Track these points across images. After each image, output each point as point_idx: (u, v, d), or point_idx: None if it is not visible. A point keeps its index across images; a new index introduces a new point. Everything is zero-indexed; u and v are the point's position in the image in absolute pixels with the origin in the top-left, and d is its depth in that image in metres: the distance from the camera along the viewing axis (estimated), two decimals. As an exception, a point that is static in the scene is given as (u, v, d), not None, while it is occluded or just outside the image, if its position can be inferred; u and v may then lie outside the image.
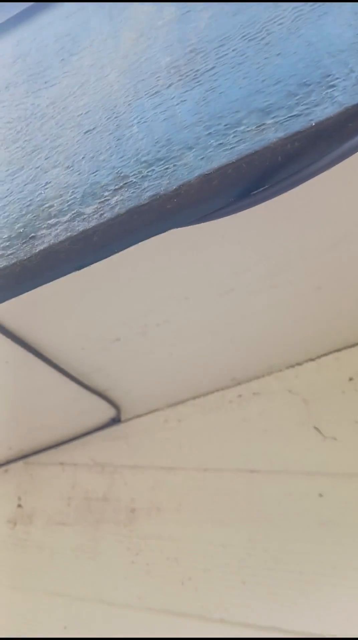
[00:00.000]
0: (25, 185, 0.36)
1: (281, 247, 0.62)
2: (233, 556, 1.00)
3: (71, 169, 0.35)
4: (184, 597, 1.01)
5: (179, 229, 0.48)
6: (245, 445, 1.08)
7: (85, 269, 0.57)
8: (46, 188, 0.35)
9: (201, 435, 1.11)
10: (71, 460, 1.16)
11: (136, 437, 1.14)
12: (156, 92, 0.35)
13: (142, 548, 1.06)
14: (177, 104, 0.34)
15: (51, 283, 0.59)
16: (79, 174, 0.34)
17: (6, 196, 0.36)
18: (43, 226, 0.34)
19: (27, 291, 0.37)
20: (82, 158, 0.35)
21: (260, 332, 0.89)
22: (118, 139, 0.34)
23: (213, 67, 0.34)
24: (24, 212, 0.35)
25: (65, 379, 0.82)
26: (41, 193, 0.35)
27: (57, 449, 1.15)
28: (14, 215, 0.35)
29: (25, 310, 0.62)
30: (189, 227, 0.54)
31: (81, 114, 0.36)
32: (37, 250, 0.34)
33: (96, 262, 0.36)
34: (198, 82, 0.34)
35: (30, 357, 0.72)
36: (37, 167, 0.36)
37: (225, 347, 0.91)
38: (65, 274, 0.36)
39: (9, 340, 0.66)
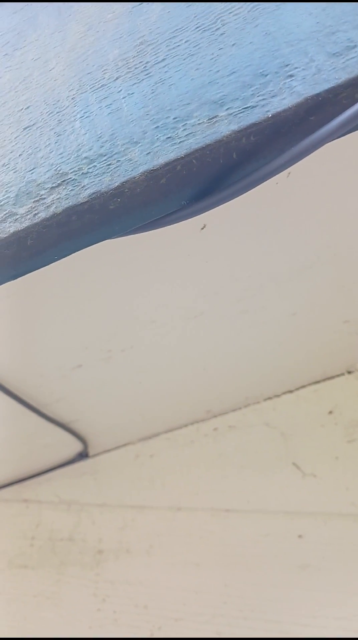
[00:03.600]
0: None
1: (251, 268, 0.59)
2: (207, 603, 0.94)
3: (7, 166, 0.31)
4: (153, 649, 0.93)
5: (138, 242, 0.45)
6: (220, 483, 1.02)
7: (40, 287, 0.53)
8: (-23, 189, 0.31)
9: (174, 471, 1.05)
10: (35, 497, 1.09)
11: (104, 473, 1.08)
12: (101, 86, 0.32)
13: (109, 594, 0.98)
14: (123, 97, 0.31)
15: (2, 305, 0.55)
16: (14, 172, 0.31)
17: None
18: (-30, 229, 0.31)
19: None
20: (19, 155, 0.31)
21: (234, 361, 0.85)
22: (59, 135, 0.31)
23: (163, 59, 0.31)
24: None
25: (25, 409, 0.77)
26: (-29, 193, 0.31)
27: (20, 485, 1.08)
28: None
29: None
30: (151, 242, 0.51)
31: (22, 109, 0.33)
32: None
33: (33, 270, 0.32)
34: (147, 74, 0.31)
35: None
36: (-30, 166, 0.32)
37: (198, 377, 0.87)
38: (3, 281, 0.32)
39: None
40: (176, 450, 1.07)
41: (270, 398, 1.06)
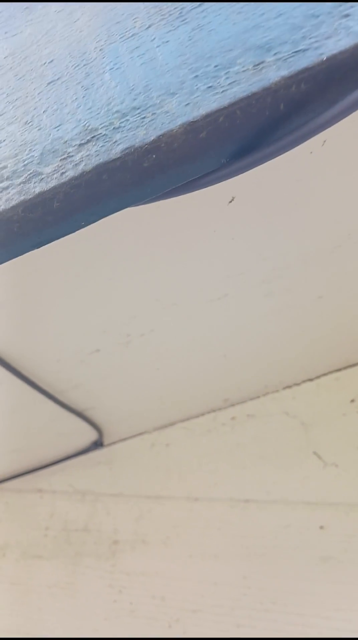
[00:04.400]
0: (-26, 145, 0.30)
1: (279, 246, 0.56)
2: (226, 595, 0.91)
3: (30, 124, 0.28)
4: (170, 641, 0.91)
5: (166, 221, 0.42)
6: (238, 473, 1.00)
7: (58, 266, 0.51)
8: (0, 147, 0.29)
9: (191, 461, 1.03)
10: (50, 487, 1.07)
11: (120, 462, 1.06)
12: (132, 35, 0.29)
13: (125, 585, 0.97)
14: (157, 46, 0.28)
15: (19, 284, 0.52)
16: (39, 129, 0.28)
17: None
18: (-7, 190, 0.28)
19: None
20: (44, 112, 0.29)
21: (254, 347, 0.82)
22: (87, 89, 0.28)
23: (200, 4, 0.28)
24: (-29, 176, 0.29)
25: (40, 396, 0.74)
26: (-7, 153, 0.29)
27: (34, 475, 1.06)
28: None
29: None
30: (175, 218, 0.48)
31: (45, 63, 0.30)
32: (-16, 218, 0.28)
33: (58, 237, 0.29)
34: (183, 20, 0.28)
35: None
36: (-10, 124, 0.30)
37: (217, 363, 0.84)
38: (21, 252, 0.30)
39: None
40: (192, 440, 1.05)
41: (289, 387, 1.03)
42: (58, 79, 0.29)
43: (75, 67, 0.29)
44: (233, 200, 0.48)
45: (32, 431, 0.88)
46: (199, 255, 0.54)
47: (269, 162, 0.45)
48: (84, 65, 0.29)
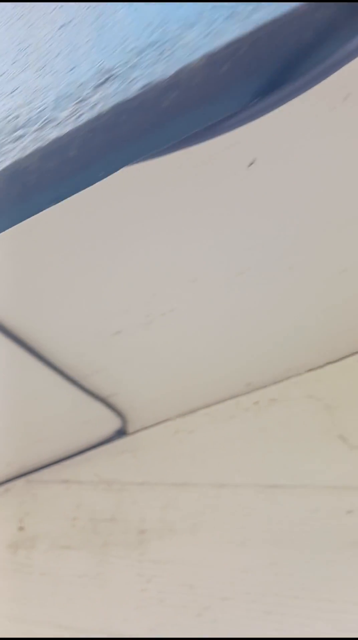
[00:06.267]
0: (-16, 98, 0.28)
1: (303, 214, 0.54)
2: (255, 583, 0.90)
3: (43, 69, 0.27)
4: (201, 629, 0.90)
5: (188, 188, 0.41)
6: (263, 458, 0.98)
7: (75, 240, 0.50)
8: (12, 97, 0.28)
9: (215, 447, 1.01)
10: (75, 477, 1.06)
11: (144, 450, 1.05)
12: (146, -29, 0.27)
13: (154, 574, 0.96)
14: (172, -21, 0.26)
15: (38, 260, 0.51)
16: (52, 74, 0.27)
17: None
18: (7, 140, 0.27)
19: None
20: (57, 56, 0.27)
21: (277, 327, 0.81)
22: (100, 29, 0.27)
23: None
24: (-17, 128, 0.28)
25: (64, 381, 0.74)
26: (6, 103, 0.28)
27: (60, 465, 1.06)
28: (-28, 132, 0.28)
29: (9, 296, 0.55)
30: (192, 184, 0.47)
31: (55, 8, 0.29)
32: (0, 169, 0.26)
33: (76, 190, 0.28)
34: None
35: (24, 354, 0.65)
36: (3, 74, 0.28)
37: (239, 345, 0.83)
38: (38, 209, 0.28)
39: (1, 336, 0.59)
40: (216, 426, 1.03)
41: (312, 369, 1.01)
42: (70, 22, 0.28)
43: (87, 9, 0.28)
44: (253, 162, 0.46)
45: (56, 420, 0.87)
46: (219, 225, 0.52)
47: (291, 122, 0.43)
48: (95, 6, 0.28)
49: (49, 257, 0.50)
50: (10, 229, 0.31)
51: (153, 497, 1.01)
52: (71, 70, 0.26)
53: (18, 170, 0.26)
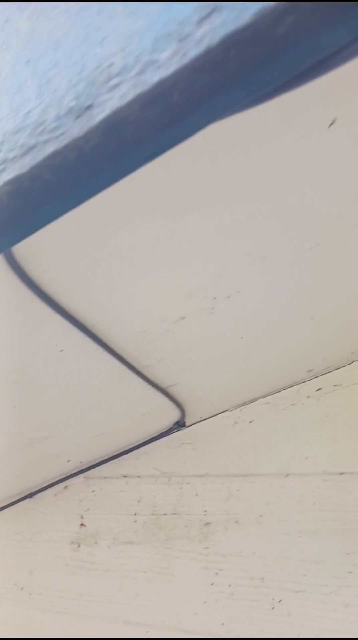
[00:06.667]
0: (73, 50, 0.26)
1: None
2: (330, 574, 0.86)
3: (134, 13, 0.25)
4: (275, 623, 0.87)
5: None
6: (330, 445, 0.94)
7: (142, 218, 0.48)
8: (102, 46, 0.25)
9: (277, 436, 0.98)
10: (135, 471, 1.05)
11: (203, 442, 1.02)
12: None
13: (221, 567, 0.93)
14: None
15: (105, 243, 0.49)
16: (146, 16, 0.25)
17: (50, 69, 0.27)
18: (102, 91, 0.25)
19: (86, 197, 0.27)
20: (148, -2, 0.25)
21: (344, 306, 0.77)
22: None
23: None
24: (74, 82, 0.26)
25: (127, 372, 0.72)
26: (96, 54, 0.26)
27: (119, 460, 1.05)
28: (63, 88, 0.26)
29: (77, 282, 0.53)
30: (267, 147, 0.44)
31: None
32: (96, 122, 0.24)
33: (176, 142, 0.26)
34: None
35: (89, 343, 0.63)
36: (88, 25, 0.26)
37: (304, 328, 0.79)
38: (137, 164, 0.26)
39: (65, 322, 0.57)
40: (276, 415, 1.00)
41: (376, 352, 0.97)
42: None
43: None
44: (333, 122, 0.43)
45: (117, 412, 0.86)
46: (293, 193, 0.49)
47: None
48: None
49: (114, 238, 0.48)
50: (80, 206, 0.29)
51: (215, 489, 0.99)
52: (167, 9, 0.24)
53: (116, 123, 0.24)
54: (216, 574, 0.93)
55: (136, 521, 1.02)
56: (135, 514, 1.03)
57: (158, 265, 0.54)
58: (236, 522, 0.95)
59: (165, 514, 1.01)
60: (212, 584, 0.93)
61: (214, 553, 0.95)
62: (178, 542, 0.98)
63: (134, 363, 0.70)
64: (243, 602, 0.90)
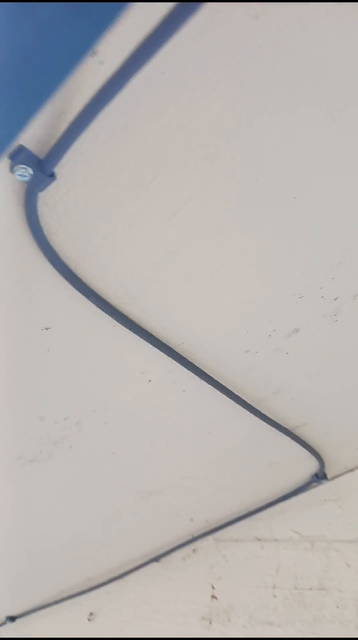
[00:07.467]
0: None
1: None
2: None
3: None
4: None
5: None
6: None
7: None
8: None
9: None
10: (270, 534, 0.89)
11: (352, 499, 0.83)
12: None
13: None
14: None
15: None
16: None
17: None
18: None
19: None
20: None
21: None
22: None
23: None
24: None
25: (237, 406, 0.60)
26: None
27: (251, 520, 0.89)
28: None
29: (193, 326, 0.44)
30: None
31: None
32: None
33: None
34: None
35: (206, 385, 0.53)
36: None
37: None
38: None
39: (187, 366, 0.49)
40: None
41: None
42: None
43: None
44: None
45: (236, 460, 0.73)
46: None
47: None
48: None
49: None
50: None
51: (373, 559, 0.79)
52: None
53: None
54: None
55: (275, 595, 0.85)
56: (273, 587, 0.86)
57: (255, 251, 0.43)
58: None
59: (310, 589, 0.83)
60: None
61: (376, 644, 0.74)
62: (328, 626, 0.78)
63: (243, 396, 0.58)
64: None
